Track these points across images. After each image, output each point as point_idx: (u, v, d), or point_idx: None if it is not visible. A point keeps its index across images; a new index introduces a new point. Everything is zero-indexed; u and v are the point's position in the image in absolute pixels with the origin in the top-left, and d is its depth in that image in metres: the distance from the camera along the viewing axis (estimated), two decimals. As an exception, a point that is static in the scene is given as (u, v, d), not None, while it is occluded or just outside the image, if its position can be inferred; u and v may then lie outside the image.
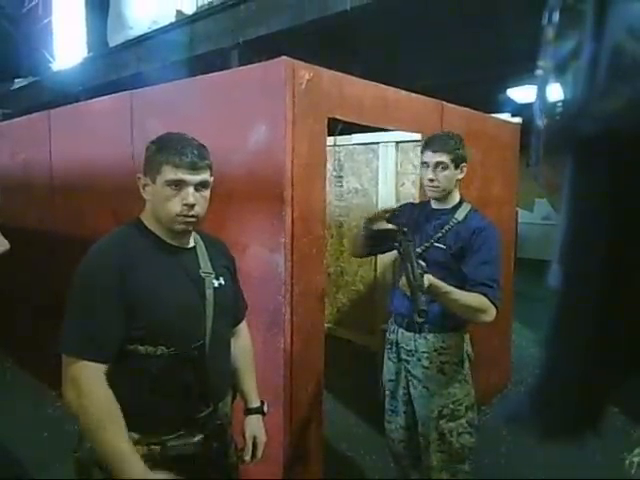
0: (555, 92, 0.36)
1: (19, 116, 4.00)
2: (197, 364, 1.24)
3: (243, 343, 1.54)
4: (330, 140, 4.20)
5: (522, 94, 5.07)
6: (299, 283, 1.89)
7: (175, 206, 1.20)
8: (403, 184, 4.03)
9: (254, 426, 1.45)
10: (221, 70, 2.21)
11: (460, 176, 1.90)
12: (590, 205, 0.30)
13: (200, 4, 5.10)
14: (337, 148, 4.50)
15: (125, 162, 2.39)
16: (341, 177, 4.55)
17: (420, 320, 1.52)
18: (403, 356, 1.97)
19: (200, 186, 1.23)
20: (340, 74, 2.01)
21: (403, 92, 2.37)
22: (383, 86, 2.24)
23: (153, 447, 1.20)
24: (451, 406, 1.89)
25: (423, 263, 1.63)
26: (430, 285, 1.61)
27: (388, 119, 2.34)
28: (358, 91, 2.10)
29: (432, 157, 1.84)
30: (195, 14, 4.73)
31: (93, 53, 6.90)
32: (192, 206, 1.21)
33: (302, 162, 1.85)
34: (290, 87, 1.78)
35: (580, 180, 0.31)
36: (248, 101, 1.93)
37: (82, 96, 4.94)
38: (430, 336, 1.89)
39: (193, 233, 1.34)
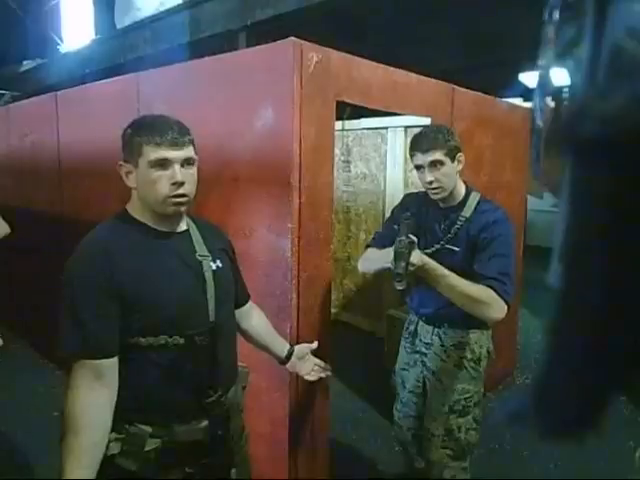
0: (555, 91, 0.36)
1: (27, 98, 4.00)
2: (202, 350, 1.22)
3: (257, 317, 1.54)
4: (338, 124, 4.16)
5: (534, 78, 4.99)
6: (306, 268, 1.88)
7: (163, 187, 1.15)
8: (412, 169, 3.99)
9: (302, 360, 1.54)
10: (229, 52, 2.18)
11: (459, 167, 1.78)
12: (590, 204, 0.30)
13: (208, -15, 5.03)
14: (345, 132, 4.46)
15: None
16: (349, 162, 4.52)
17: (399, 287, 1.51)
18: (420, 348, 1.93)
19: (186, 163, 1.18)
20: (349, 56, 1.98)
21: (413, 75, 2.33)
22: (392, 69, 2.21)
23: (165, 438, 1.19)
24: (463, 402, 1.85)
25: (415, 238, 1.57)
26: (424, 264, 1.55)
27: (397, 103, 2.31)
28: (367, 74, 2.06)
29: (424, 158, 1.70)
30: (203, -5, 4.66)
31: (101, 35, 6.86)
32: (181, 184, 1.17)
33: (310, 146, 1.82)
34: (298, 69, 1.75)
35: (580, 179, 0.30)
36: (255, 83, 1.90)
37: (90, 78, 4.92)
38: (450, 331, 1.85)
39: (184, 217, 1.30)
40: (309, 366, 1.56)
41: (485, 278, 1.64)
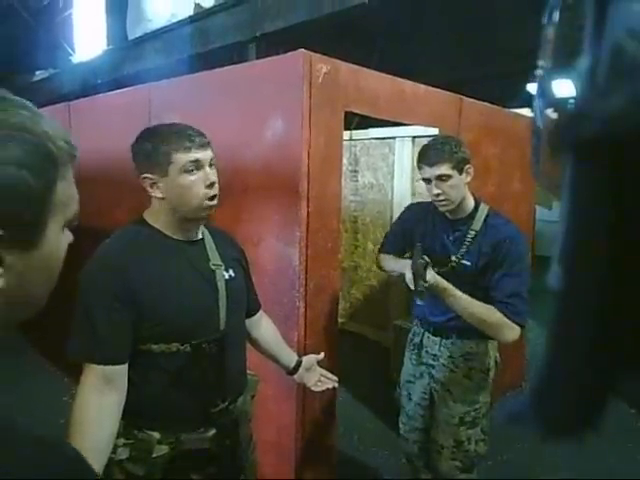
0: (555, 91, 0.36)
1: (39, 108, 4.06)
2: (213, 358, 1.23)
3: (267, 327, 1.55)
4: (346, 134, 4.18)
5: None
6: (313, 277, 1.89)
7: (199, 191, 1.17)
8: (418, 179, 4.00)
9: (309, 371, 1.53)
10: (239, 63, 2.21)
11: (468, 179, 1.75)
12: (590, 205, 0.30)
13: (218, -3, 5.11)
14: (353, 142, 4.48)
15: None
16: (356, 171, 4.54)
17: (420, 302, 1.57)
18: (427, 360, 1.91)
19: (211, 164, 1.21)
20: (357, 67, 2.00)
21: (421, 86, 2.35)
22: (400, 79, 2.23)
23: (173, 445, 1.20)
24: (473, 413, 1.83)
25: (427, 259, 1.59)
26: (436, 284, 1.57)
27: (405, 113, 2.32)
28: (375, 84, 2.08)
29: (431, 171, 1.68)
30: (213, 7, 4.74)
31: (112, 46, 6.96)
32: (214, 184, 1.19)
33: (318, 156, 1.84)
34: (307, 80, 1.77)
35: (580, 180, 0.30)
36: (265, 94, 1.93)
37: (101, 88, 4.99)
38: (458, 341, 1.83)
39: (202, 226, 1.31)
40: (315, 377, 1.55)
41: (496, 301, 1.63)
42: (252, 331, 1.50)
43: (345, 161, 4.43)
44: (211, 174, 1.19)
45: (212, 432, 1.25)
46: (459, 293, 1.62)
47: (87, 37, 8.27)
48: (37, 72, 8.71)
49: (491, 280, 1.68)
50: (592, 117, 0.28)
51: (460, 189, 1.73)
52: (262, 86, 1.95)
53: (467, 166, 1.73)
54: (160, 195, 1.19)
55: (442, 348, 1.86)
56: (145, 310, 1.14)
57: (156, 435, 1.18)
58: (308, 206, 1.83)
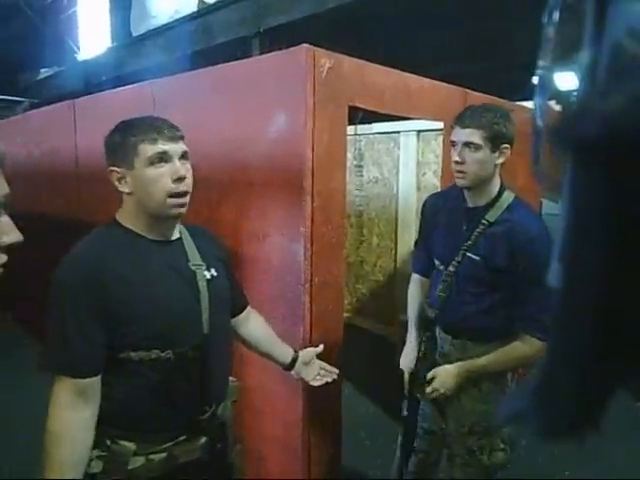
0: (555, 90, 0.36)
1: (45, 105, 4.08)
2: (196, 363, 1.17)
3: (256, 323, 1.49)
4: (350, 129, 4.17)
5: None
6: (319, 272, 1.89)
7: (165, 184, 1.10)
8: (424, 174, 3.98)
9: (308, 365, 1.49)
10: (242, 59, 2.20)
11: (499, 161, 1.52)
12: (590, 205, 0.30)
13: (221, -8, 5.10)
14: (357, 137, 4.47)
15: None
16: (361, 166, 4.53)
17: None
18: (439, 358, 1.77)
19: (183, 157, 1.14)
20: (361, 61, 1.99)
21: (425, 80, 2.33)
22: (405, 73, 2.21)
23: (153, 456, 1.14)
24: (484, 424, 1.66)
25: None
26: (460, 378, 1.59)
27: (410, 107, 2.31)
28: (379, 79, 2.07)
29: (461, 135, 1.47)
30: (216, 3, 4.73)
31: (117, 43, 6.97)
32: (183, 179, 1.12)
33: (322, 151, 1.84)
34: (311, 75, 1.77)
35: (580, 179, 0.30)
36: (269, 89, 1.92)
37: (106, 85, 5.00)
38: (468, 343, 1.66)
39: (178, 224, 1.25)
40: (314, 371, 1.51)
41: (524, 317, 1.49)
42: (240, 329, 1.46)
43: (350, 156, 4.41)
44: (181, 168, 1.12)
45: (202, 440, 1.20)
46: (484, 361, 1.55)
47: (91, 34, 8.30)
48: (42, 70, 8.74)
49: (514, 289, 1.50)
50: (592, 116, 0.28)
51: (487, 167, 1.50)
52: (266, 81, 1.95)
53: (504, 145, 1.51)
54: (127, 190, 1.14)
55: (451, 348, 1.72)
56: (121, 316, 1.09)
57: (131, 446, 1.12)
58: (313, 201, 1.83)
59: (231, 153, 2.07)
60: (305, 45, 1.77)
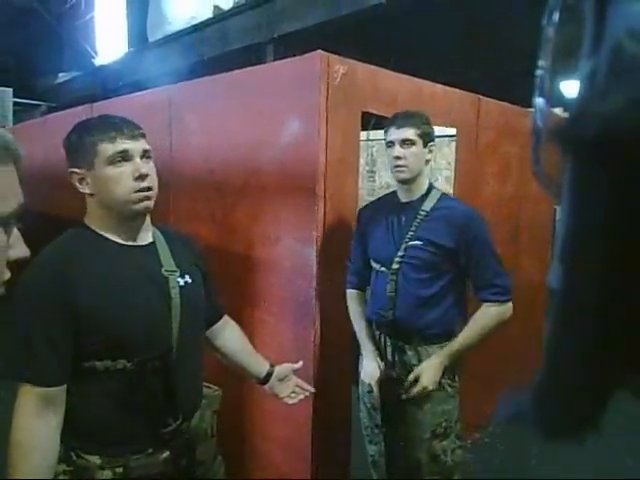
0: (556, 91, 0.36)
1: (63, 109, 4.16)
2: (164, 374, 1.12)
3: (232, 334, 1.43)
4: (363, 135, 4.18)
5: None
6: (330, 276, 1.90)
7: (127, 184, 1.07)
8: (436, 180, 3.99)
9: (282, 382, 1.40)
10: (257, 64, 2.23)
11: (429, 157, 1.72)
12: (590, 205, 0.30)
13: (237, -1, 5.16)
14: (370, 142, 4.48)
15: (163, 155, 2.46)
16: (373, 172, 4.54)
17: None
18: (388, 370, 1.77)
19: (145, 156, 1.11)
20: (375, 67, 2.00)
21: (438, 86, 2.34)
22: (418, 80, 2.22)
23: (118, 469, 1.09)
24: (444, 424, 1.71)
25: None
26: (443, 365, 1.62)
27: (423, 113, 2.32)
28: (392, 85, 2.09)
29: (398, 134, 1.66)
30: (232, 9, 4.79)
31: (133, 48, 7.08)
32: (145, 176, 1.08)
33: (335, 156, 1.85)
34: (325, 81, 1.79)
35: (580, 180, 0.31)
36: (283, 95, 1.95)
37: (123, 90, 5.08)
38: (421, 349, 1.71)
39: (152, 228, 1.21)
40: (289, 388, 1.42)
41: (481, 287, 1.66)
42: (215, 340, 1.40)
43: (362, 161, 4.43)
44: (142, 166, 1.08)
45: (165, 454, 1.14)
46: (456, 343, 1.64)
47: (108, 40, 8.43)
48: (60, 74, 8.90)
49: (468, 266, 1.66)
50: (592, 117, 0.28)
51: (421, 161, 1.70)
52: (280, 87, 1.97)
53: (431, 143, 1.72)
54: (88, 191, 1.10)
55: (404, 356, 1.73)
56: (86, 323, 1.04)
57: (96, 460, 1.07)
58: (325, 206, 1.85)
59: (245, 157, 2.10)
60: (320, 51, 1.80)
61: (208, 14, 5.20)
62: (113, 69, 6.96)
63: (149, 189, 1.10)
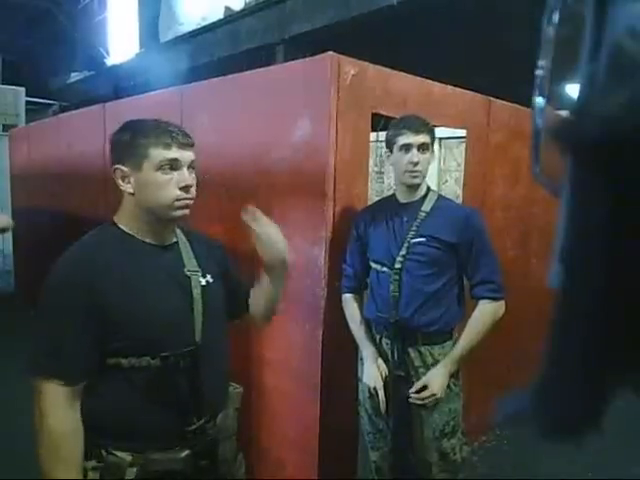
0: (556, 91, 0.36)
1: (75, 108, 4.20)
2: (188, 372, 1.13)
3: (253, 295, 1.42)
4: (372, 136, 4.18)
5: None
6: (338, 277, 1.91)
7: (171, 192, 1.09)
8: (446, 181, 3.98)
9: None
10: (267, 66, 2.24)
11: (432, 159, 1.78)
12: (590, 205, 0.30)
13: (248, 0, 5.18)
14: (379, 144, 4.48)
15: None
16: (382, 173, 4.54)
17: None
18: (395, 371, 1.75)
19: (191, 166, 1.13)
20: (385, 69, 2.01)
21: (449, 87, 2.34)
22: (428, 81, 2.22)
23: (143, 466, 1.11)
24: (452, 422, 1.72)
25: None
26: (449, 373, 1.65)
27: (433, 115, 2.30)
28: (403, 86, 2.09)
29: (415, 138, 1.65)
30: (242, 10, 4.81)
31: (145, 49, 7.13)
32: (190, 187, 1.11)
33: (345, 157, 1.86)
34: (335, 82, 1.79)
35: (580, 180, 0.30)
36: (293, 96, 1.96)
37: (134, 90, 5.13)
38: (423, 348, 1.71)
39: (176, 229, 1.23)
40: (268, 237, 1.38)
41: (479, 282, 1.69)
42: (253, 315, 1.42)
43: (371, 162, 4.43)
44: (188, 177, 1.11)
45: (185, 452, 1.14)
46: (458, 348, 1.66)
47: (120, 40, 8.50)
48: (73, 74, 9.00)
49: (467, 262, 1.70)
50: (592, 117, 0.28)
51: (429, 165, 1.74)
52: (290, 88, 1.98)
53: (433, 147, 1.76)
54: (130, 190, 1.11)
55: (409, 358, 1.73)
56: (112, 321, 1.06)
57: (127, 457, 1.09)
58: (334, 207, 1.85)
59: (255, 158, 2.11)
60: (330, 53, 1.80)
61: (219, 15, 5.23)
62: (125, 69, 7.02)
63: (190, 199, 1.12)
